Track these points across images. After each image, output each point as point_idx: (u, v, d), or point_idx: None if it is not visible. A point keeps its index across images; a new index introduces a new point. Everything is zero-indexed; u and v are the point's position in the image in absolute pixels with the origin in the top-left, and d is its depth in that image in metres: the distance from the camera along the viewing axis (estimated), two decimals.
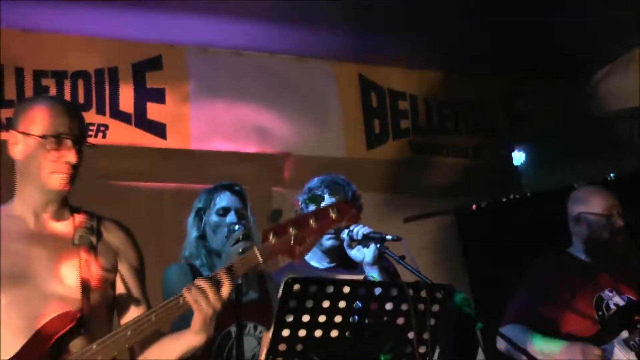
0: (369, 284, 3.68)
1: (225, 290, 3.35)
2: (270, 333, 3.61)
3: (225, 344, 4.41)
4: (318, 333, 3.61)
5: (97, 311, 3.53)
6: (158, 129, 7.23)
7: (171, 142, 7.25)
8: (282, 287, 3.53)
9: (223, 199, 4.61)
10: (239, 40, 7.49)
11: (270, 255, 3.40)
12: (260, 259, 3.38)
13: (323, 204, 4.67)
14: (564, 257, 5.27)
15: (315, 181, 4.88)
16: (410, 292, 3.66)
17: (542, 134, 8.26)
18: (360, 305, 3.64)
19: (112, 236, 3.77)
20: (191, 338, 3.46)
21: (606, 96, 8.40)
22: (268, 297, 4.59)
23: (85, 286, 3.51)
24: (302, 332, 3.60)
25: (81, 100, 7.02)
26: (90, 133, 6.93)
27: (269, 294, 4.60)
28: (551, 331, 5.03)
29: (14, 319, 3.42)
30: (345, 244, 4.61)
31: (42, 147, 3.54)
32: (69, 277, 3.53)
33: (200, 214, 4.63)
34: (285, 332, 3.59)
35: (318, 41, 7.64)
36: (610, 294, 5.04)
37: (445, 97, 8.40)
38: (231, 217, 4.52)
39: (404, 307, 3.67)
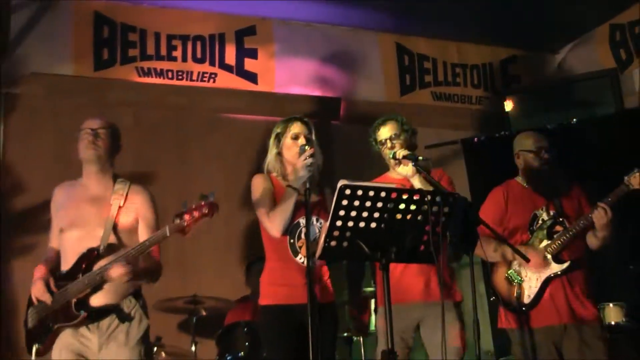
0: (399, 191, 3.62)
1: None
2: (327, 223, 3.60)
3: (295, 230, 4.40)
4: (362, 224, 3.59)
5: (120, 245, 4.19)
6: (252, 77, 7.20)
7: (261, 87, 7.23)
8: (337, 191, 3.51)
9: (296, 127, 4.56)
10: (310, 15, 7.43)
11: (173, 232, 4.03)
12: (168, 234, 4.05)
13: (383, 137, 4.70)
14: (510, 184, 5.15)
15: (376, 122, 4.81)
16: (429, 197, 3.64)
17: (526, 89, 8.13)
18: (392, 205, 3.62)
19: (136, 197, 4.34)
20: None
21: (574, 63, 8.24)
22: (325, 199, 4.56)
23: (106, 233, 4.19)
24: (350, 223, 3.57)
25: (198, 55, 7.02)
26: (204, 79, 6.99)
27: (325, 197, 4.57)
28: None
29: (75, 247, 4.18)
30: (394, 164, 4.57)
31: (80, 139, 4.28)
32: (103, 227, 4.20)
33: (278, 137, 4.58)
34: (338, 223, 3.57)
35: (367, 17, 7.53)
36: (541, 212, 4.96)
37: (457, 59, 8.24)
38: (302, 140, 4.49)
39: (424, 207, 3.64)
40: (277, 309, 4.37)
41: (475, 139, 7.51)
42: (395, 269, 4.44)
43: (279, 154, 4.56)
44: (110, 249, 4.17)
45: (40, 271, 4.25)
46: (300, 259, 4.39)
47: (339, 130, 7.34)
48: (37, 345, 4.15)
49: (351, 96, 7.59)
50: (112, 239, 4.22)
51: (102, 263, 4.10)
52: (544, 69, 8.44)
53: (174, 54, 6.94)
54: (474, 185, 7.29)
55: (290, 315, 4.29)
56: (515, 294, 4.85)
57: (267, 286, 4.48)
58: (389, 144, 4.65)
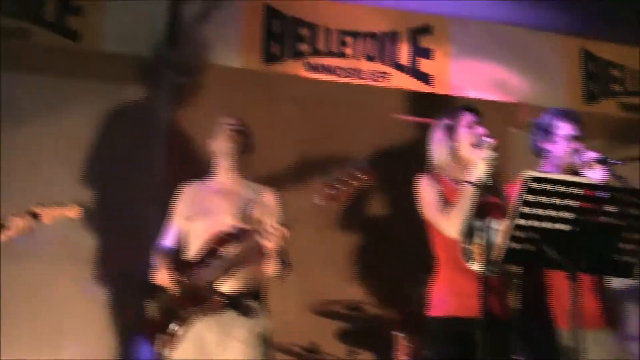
0: (597, 187, 3.16)
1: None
2: (507, 222, 3.21)
3: (469, 233, 3.96)
4: (549, 225, 3.15)
5: (249, 235, 4.06)
6: (425, 78, 6.82)
7: (436, 88, 6.84)
8: (522, 182, 3.09)
9: (469, 116, 4.19)
10: (489, 14, 6.98)
11: (325, 200, 3.83)
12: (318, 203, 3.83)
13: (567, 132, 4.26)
14: None
15: (554, 111, 4.35)
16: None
17: None
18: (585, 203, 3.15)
19: (266, 196, 4.44)
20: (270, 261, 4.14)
21: None
22: (501, 201, 4.11)
23: (238, 218, 4.23)
24: (535, 223, 3.15)
25: (370, 53, 6.71)
26: (375, 78, 6.69)
27: (502, 199, 4.12)
28: None
29: (204, 235, 4.19)
30: (581, 167, 4.08)
31: (218, 132, 4.48)
32: (233, 215, 4.25)
33: (450, 128, 4.19)
34: (522, 222, 3.15)
35: (550, 18, 7.02)
36: None
37: None
38: (480, 130, 4.08)
39: (624, 210, 3.15)
40: (447, 322, 3.97)
41: None
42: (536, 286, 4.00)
43: (451, 147, 4.17)
44: (244, 235, 4.14)
45: (162, 260, 4.21)
46: (475, 266, 3.95)
47: (515, 138, 6.87)
48: (164, 336, 4.08)
49: (530, 102, 7.04)
50: (245, 227, 4.20)
51: (231, 249, 4.10)
52: None
53: (345, 50, 6.68)
54: None
55: (462, 329, 3.85)
56: None
57: (437, 296, 4.07)
58: (573, 143, 4.17)
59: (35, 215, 4.12)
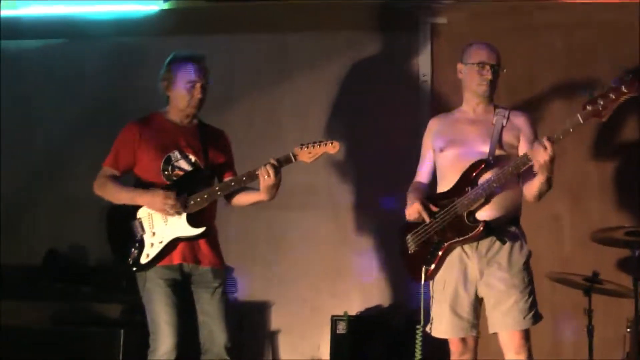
0: None
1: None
2: None
3: None
4: None
5: (504, 160, 4.16)
6: None
7: None
8: None
9: None
10: None
11: (588, 117, 3.78)
12: (582, 121, 3.81)
13: None
14: None
15: None
16: None
17: None
18: None
19: (517, 120, 4.34)
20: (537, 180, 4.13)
21: None
22: None
23: (492, 147, 4.20)
24: None
25: None
26: None
27: None
28: None
29: (457, 165, 4.24)
30: None
31: (474, 71, 4.32)
32: (487, 142, 4.23)
33: None
34: None
35: None
36: None
37: None
38: None
39: None
40: None
41: None
42: None
43: None
44: (498, 160, 4.16)
45: (413, 194, 4.38)
46: None
47: None
48: (425, 267, 4.22)
49: None
50: (499, 152, 4.21)
51: (487, 176, 4.12)
52: None
53: None
54: None
55: None
56: None
57: None
58: None
59: (295, 157, 4.39)
